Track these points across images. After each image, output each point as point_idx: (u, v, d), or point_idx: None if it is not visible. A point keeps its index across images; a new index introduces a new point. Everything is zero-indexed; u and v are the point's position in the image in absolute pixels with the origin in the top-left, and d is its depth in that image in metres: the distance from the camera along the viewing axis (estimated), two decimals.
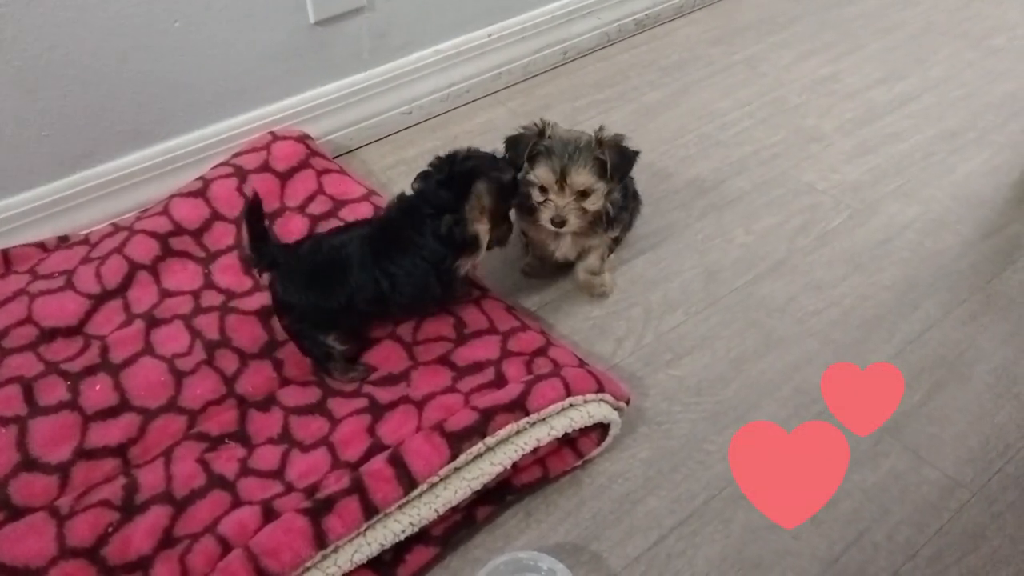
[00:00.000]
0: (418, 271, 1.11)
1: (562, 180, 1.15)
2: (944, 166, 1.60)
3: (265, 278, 1.13)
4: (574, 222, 1.17)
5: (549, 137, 1.18)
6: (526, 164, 1.18)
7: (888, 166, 1.60)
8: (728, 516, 1.06)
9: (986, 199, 1.53)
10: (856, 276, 1.38)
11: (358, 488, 0.95)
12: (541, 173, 1.17)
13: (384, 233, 1.12)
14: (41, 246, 1.31)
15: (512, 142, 1.19)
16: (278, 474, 1.03)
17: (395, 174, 1.56)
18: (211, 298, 1.23)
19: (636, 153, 1.19)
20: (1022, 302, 1.34)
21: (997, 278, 1.38)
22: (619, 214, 1.25)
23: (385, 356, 1.18)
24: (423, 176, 1.13)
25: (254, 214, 1.07)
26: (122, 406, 1.08)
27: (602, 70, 1.83)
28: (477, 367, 1.13)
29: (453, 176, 1.10)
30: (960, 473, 1.12)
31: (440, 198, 1.10)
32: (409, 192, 1.15)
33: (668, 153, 1.61)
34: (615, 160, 1.16)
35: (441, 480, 0.98)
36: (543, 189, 1.18)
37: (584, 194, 1.17)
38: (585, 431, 1.08)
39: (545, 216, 1.17)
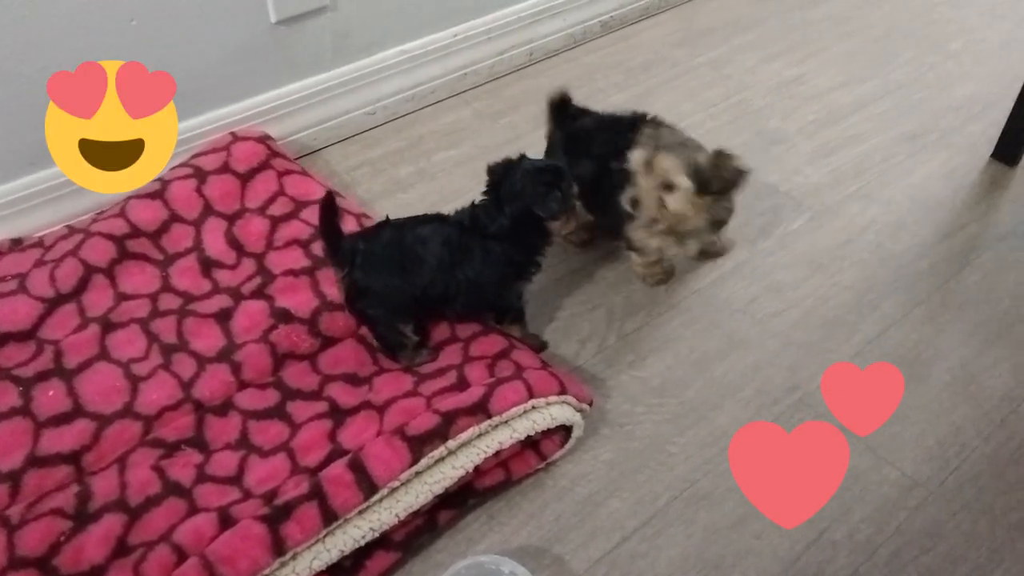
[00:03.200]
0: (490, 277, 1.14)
1: (648, 165, 1.17)
2: (904, 168, 1.62)
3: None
4: (648, 206, 1.19)
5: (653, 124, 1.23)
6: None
7: (849, 168, 1.62)
8: (690, 517, 1.07)
9: (944, 201, 1.55)
10: (817, 277, 1.39)
11: (317, 494, 0.94)
12: (634, 156, 1.19)
13: (461, 240, 1.13)
14: None
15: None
16: (236, 480, 1.01)
17: (359, 175, 1.54)
18: (169, 301, 1.21)
19: (741, 172, 1.18)
20: (978, 302, 1.36)
21: (954, 278, 1.40)
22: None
23: (347, 356, 1.17)
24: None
25: (329, 211, 1.09)
26: (75, 412, 1.06)
27: (568, 71, 1.83)
28: (439, 372, 1.12)
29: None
30: (918, 472, 1.13)
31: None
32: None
33: None
34: (720, 177, 1.17)
35: (402, 484, 0.98)
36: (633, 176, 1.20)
37: (668, 187, 1.17)
38: (548, 433, 1.08)
39: (626, 196, 1.20)
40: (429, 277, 1.11)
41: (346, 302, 1.14)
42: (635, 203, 1.19)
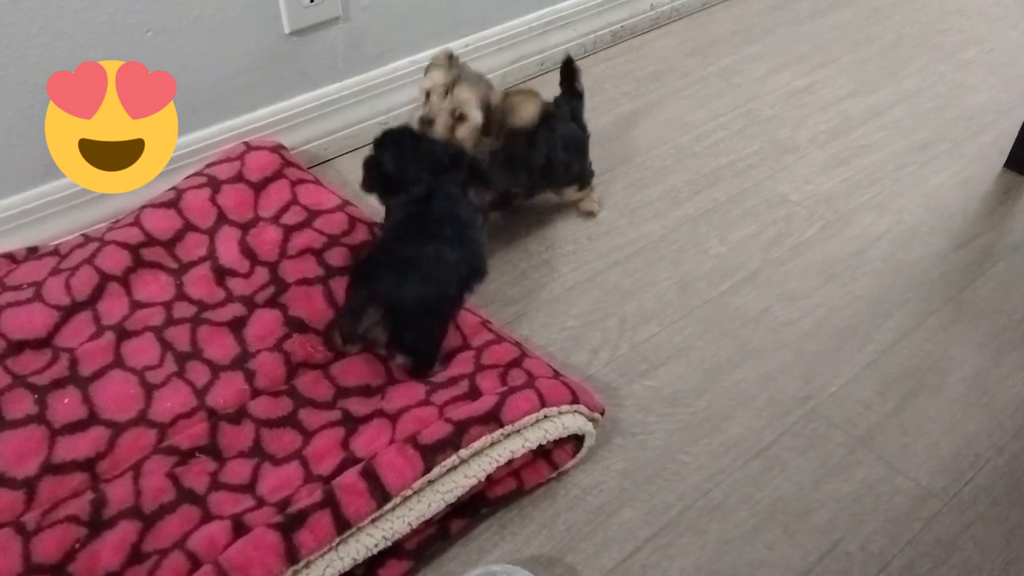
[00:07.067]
0: None
1: (447, 89, 1.18)
2: (916, 178, 1.62)
3: None
4: (438, 126, 1.19)
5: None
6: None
7: (861, 177, 1.61)
8: (702, 528, 1.06)
9: (957, 210, 1.55)
10: (829, 287, 1.39)
11: (330, 502, 0.94)
12: (434, 75, 1.20)
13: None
14: (10, 257, 1.29)
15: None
16: (249, 488, 1.02)
17: None
18: (183, 309, 1.22)
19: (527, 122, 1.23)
20: (992, 312, 1.36)
21: (968, 288, 1.40)
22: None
23: (360, 366, 1.17)
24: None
25: None
26: (90, 420, 1.07)
27: None
28: (451, 381, 1.13)
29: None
30: (932, 483, 1.12)
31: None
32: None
33: (644, 164, 1.62)
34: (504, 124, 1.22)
35: (415, 493, 0.98)
36: (428, 94, 1.20)
37: (461, 117, 1.19)
38: (560, 442, 1.08)
39: (416, 114, 1.20)
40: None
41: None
42: (424, 122, 1.19)
